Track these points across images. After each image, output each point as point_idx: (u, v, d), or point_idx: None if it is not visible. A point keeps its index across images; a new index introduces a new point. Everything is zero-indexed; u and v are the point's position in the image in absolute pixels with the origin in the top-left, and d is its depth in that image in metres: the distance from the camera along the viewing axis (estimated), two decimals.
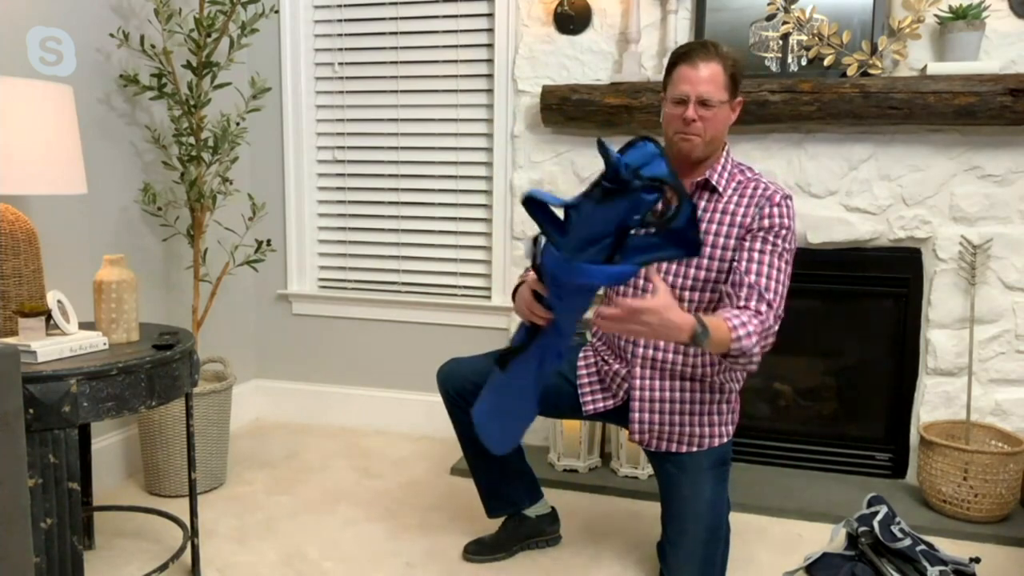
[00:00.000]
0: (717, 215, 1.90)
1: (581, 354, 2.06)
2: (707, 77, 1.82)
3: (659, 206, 1.54)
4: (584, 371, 2.03)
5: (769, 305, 1.77)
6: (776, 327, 1.79)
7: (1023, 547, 2.31)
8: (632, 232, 1.55)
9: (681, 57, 1.86)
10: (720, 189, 1.90)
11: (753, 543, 2.32)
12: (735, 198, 1.89)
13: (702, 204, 1.92)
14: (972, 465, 2.36)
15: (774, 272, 1.81)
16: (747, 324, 1.71)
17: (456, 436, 2.19)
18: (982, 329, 2.58)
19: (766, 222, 1.84)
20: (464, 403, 2.09)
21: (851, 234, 2.64)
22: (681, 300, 1.91)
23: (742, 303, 1.78)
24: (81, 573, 1.71)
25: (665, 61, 2.65)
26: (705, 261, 1.89)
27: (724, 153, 1.94)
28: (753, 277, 1.80)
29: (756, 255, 1.82)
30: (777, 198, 1.86)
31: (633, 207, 1.50)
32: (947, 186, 2.56)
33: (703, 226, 1.90)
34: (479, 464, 2.17)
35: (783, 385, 2.84)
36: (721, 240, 1.88)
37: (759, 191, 1.88)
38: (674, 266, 1.91)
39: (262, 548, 2.24)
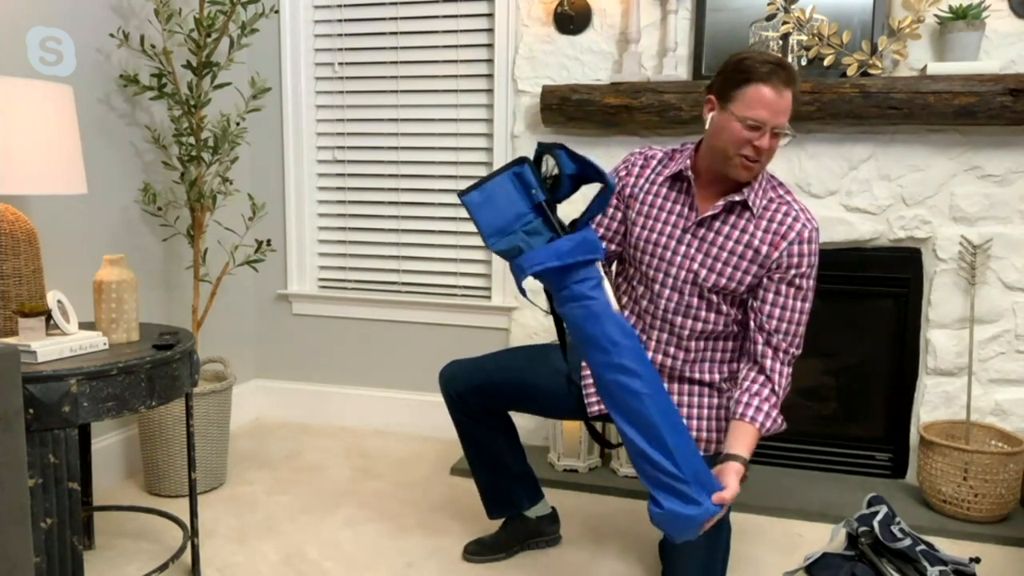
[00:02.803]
0: (746, 235, 1.85)
1: None
2: (786, 107, 1.73)
3: (550, 170, 1.65)
4: (589, 371, 2.03)
5: (785, 353, 1.84)
6: (790, 369, 1.85)
7: (1023, 547, 2.31)
8: (553, 206, 1.65)
9: (762, 76, 1.71)
10: (754, 209, 1.85)
11: (753, 543, 2.32)
12: (763, 223, 1.85)
13: (731, 219, 1.86)
14: (972, 465, 2.36)
15: (795, 316, 1.84)
16: (762, 407, 1.79)
17: (458, 436, 2.18)
18: (982, 329, 2.58)
19: (795, 260, 1.82)
20: (465, 405, 2.09)
21: (851, 234, 2.64)
22: (688, 306, 1.90)
23: (757, 357, 1.84)
24: (81, 573, 1.71)
25: (662, 60, 2.67)
26: (712, 275, 1.86)
27: None
28: (774, 323, 1.83)
29: (781, 299, 1.84)
30: (806, 234, 1.82)
31: (518, 182, 1.65)
32: (947, 186, 2.56)
33: (730, 244, 1.86)
34: (480, 465, 2.17)
35: None
36: (734, 259, 1.85)
37: (788, 219, 1.83)
38: (688, 274, 1.89)
39: (262, 548, 2.24)
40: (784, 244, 1.82)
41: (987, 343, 2.58)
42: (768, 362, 1.83)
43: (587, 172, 1.65)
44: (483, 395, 2.06)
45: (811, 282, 1.85)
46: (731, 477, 1.66)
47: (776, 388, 1.82)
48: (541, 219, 1.65)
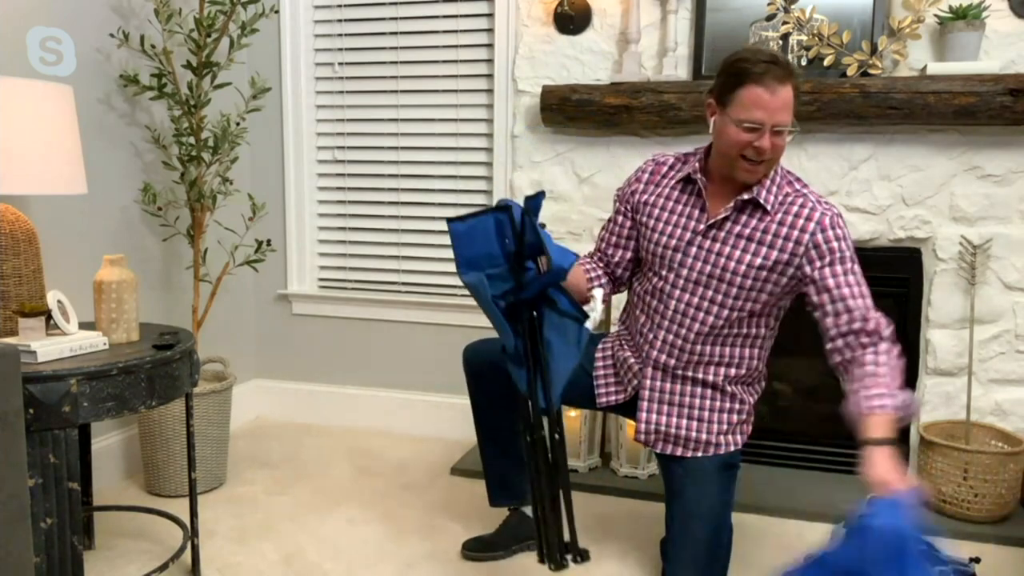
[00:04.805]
0: (758, 232, 1.82)
1: (600, 345, 2.06)
2: (783, 104, 1.70)
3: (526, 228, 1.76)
4: (600, 363, 2.04)
5: (872, 334, 1.73)
6: (890, 344, 1.73)
7: (1023, 547, 2.31)
8: (522, 258, 1.77)
9: (754, 77, 1.70)
10: (768, 207, 1.82)
11: (753, 543, 2.32)
12: (779, 216, 1.82)
13: (743, 219, 1.84)
14: (972, 465, 2.36)
15: (859, 301, 1.75)
16: (883, 396, 1.66)
17: (472, 416, 2.19)
18: (982, 329, 2.58)
19: (824, 248, 1.77)
20: (483, 381, 2.11)
21: (851, 234, 2.63)
22: (696, 308, 1.89)
23: (851, 356, 1.75)
24: (81, 573, 1.71)
25: (662, 60, 2.67)
26: (728, 275, 1.84)
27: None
28: (851, 302, 1.73)
29: (843, 280, 1.75)
30: (827, 220, 1.78)
31: (497, 227, 1.77)
32: (947, 186, 2.56)
33: (742, 243, 1.84)
34: (489, 448, 2.18)
35: (783, 385, 2.84)
36: (748, 257, 1.82)
37: (805, 211, 1.80)
38: (699, 275, 1.87)
39: (262, 548, 2.24)
40: (807, 237, 1.78)
41: (987, 343, 2.58)
42: (866, 355, 1.72)
43: (540, 246, 1.76)
44: (501, 373, 2.07)
45: (855, 264, 1.77)
46: (877, 461, 1.57)
47: (881, 369, 1.69)
48: (508, 267, 1.75)
